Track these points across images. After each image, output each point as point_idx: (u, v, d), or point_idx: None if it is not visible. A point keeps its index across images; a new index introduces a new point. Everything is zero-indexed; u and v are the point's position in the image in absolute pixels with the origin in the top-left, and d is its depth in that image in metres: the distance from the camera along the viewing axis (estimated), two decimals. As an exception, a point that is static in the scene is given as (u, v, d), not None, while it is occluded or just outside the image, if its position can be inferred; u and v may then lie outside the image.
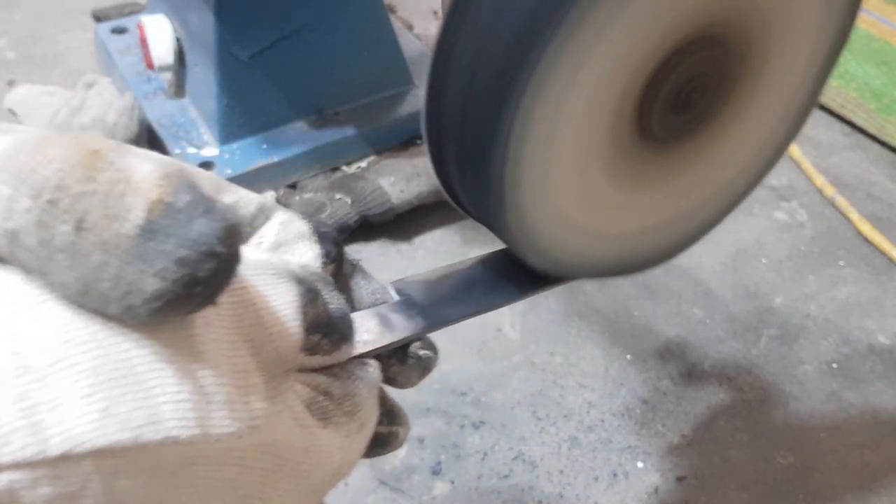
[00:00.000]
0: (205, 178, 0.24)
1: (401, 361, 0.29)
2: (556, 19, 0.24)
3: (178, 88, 0.88)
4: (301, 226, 0.26)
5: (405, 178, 0.82)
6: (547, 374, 0.72)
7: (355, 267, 0.29)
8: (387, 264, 0.80)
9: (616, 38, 0.26)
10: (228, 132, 0.83)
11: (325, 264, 0.26)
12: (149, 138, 0.82)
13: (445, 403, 0.68)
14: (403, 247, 0.83)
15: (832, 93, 1.05)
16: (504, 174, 0.27)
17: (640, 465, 0.66)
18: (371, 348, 0.27)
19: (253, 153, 0.83)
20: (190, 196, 0.18)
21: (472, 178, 0.30)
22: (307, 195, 0.82)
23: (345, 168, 0.88)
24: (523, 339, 0.74)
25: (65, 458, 0.17)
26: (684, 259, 0.83)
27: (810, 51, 0.34)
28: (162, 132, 0.84)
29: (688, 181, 0.35)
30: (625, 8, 0.26)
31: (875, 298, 0.82)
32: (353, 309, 0.28)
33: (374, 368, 0.26)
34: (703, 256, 0.84)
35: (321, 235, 0.26)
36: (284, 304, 0.22)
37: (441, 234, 0.84)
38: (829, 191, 0.93)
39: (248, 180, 0.81)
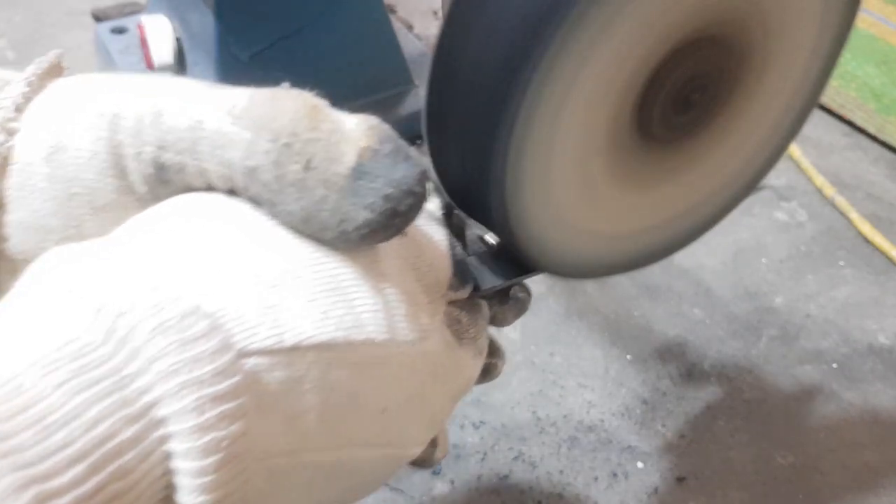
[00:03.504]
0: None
1: (501, 302, 0.33)
2: (557, 19, 0.24)
3: (178, 88, 0.88)
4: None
5: (405, 178, 0.82)
6: (547, 374, 0.71)
7: (460, 217, 0.32)
8: (387, 264, 0.80)
9: (617, 37, 0.26)
10: (228, 132, 0.83)
11: (443, 214, 0.30)
12: (149, 138, 0.82)
13: (445, 403, 0.68)
14: (403, 247, 0.82)
15: (832, 93, 1.05)
16: (505, 174, 0.27)
17: (640, 465, 0.66)
18: (484, 289, 0.30)
19: (253, 153, 0.83)
20: (392, 145, 0.23)
21: (473, 178, 0.30)
22: (307, 195, 0.82)
23: (345, 168, 0.87)
24: (523, 339, 0.74)
25: (296, 349, 0.20)
26: (684, 259, 0.83)
27: (810, 51, 0.34)
28: (162, 132, 0.84)
29: (688, 181, 0.35)
30: (626, 7, 0.26)
31: (875, 298, 0.82)
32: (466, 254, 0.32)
33: (484, 306, 0.30)
34: (703, 256, 0.84)
35: (437, 188, 0.30)
36: (438, 241, 0.27)
37: (441, 234, 0.84)
38: (829, 191, 0.93)
39: (248, 180, 0.81)
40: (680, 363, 0.74)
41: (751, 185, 0.39)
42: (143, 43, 0.83)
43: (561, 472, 0.64)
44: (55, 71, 0.26)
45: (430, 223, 0.28)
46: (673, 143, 0.33)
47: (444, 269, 0.27)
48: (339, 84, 0.88)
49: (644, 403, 0.70)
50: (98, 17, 1.02)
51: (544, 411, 0.69)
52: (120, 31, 0.98)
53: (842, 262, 0.86)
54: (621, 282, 0.80)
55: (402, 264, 0.25)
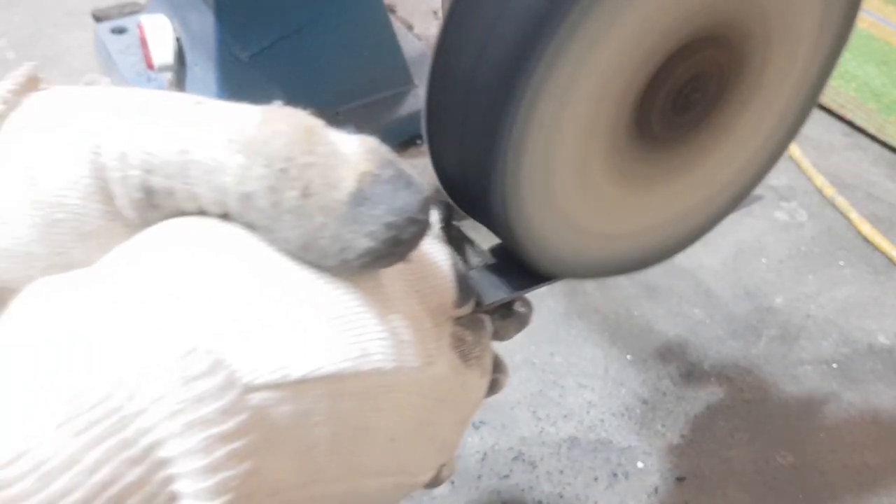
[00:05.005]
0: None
1: (503, 317, 0.32)
2: (557, 19, 0.24)
3: (178, 88, 0.88)
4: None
5: (405, 178, 0.82)
6: (547, 374, 0.71)
7: (459, 230, 0.31)
8: (387, 264, 0.80)
9: (617, 37, 0.26)
10: (228, 132, 0.83)
11: (442, 227, 0.30)
12: (149, 138, 0.82)
13: (445, 403, 0.68)
14: (403, 247, 0.82)
15: (832, 93, 1.05)
16: (505, 174, 0.27)
17: (640, 465, 0.66)
18: (488, 303, 0.29)
19: (253, 153, 0.83)
20: (393, 170, 0.21)
21: (472, 177, 0.30)
22: (307, 195, 0.82)
23: (345, 168, 0.87)
24: (523, 339, 0.74)
25: (303, 382, 0.20)
26: (684, 259, 0.83)
27: (810, 51, 0.34)
28: (162, 132, 0.83)
29: (688, 180, 0.35)
30: (626, 8, 0.26)
31: (875, 298, 0.82)
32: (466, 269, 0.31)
33: (488, 321, 0.30)
34: (703, 256, 0.84)
35: (436, 202, 0.29)
36: (441, 262, 0.26)
37: (441, 234, 0.84)
38: (829, 191, 0.93)
39: (248, 180, 0.81)
40: (680, 363, 0.74)
41: (751, 185, 0.39)
42: (143, 43, 0.83)
43: (561, 472, 0.64)
44: (31, 84, 0.24)
45: (431, 242, 0.27)
46: (673, 143, 0.33)
47: (448, 291, 0.26)
48: (339, 84, 0.88)
49: (644, 403, 0.70)
50: (98, 17, 1.02)
51: (544, 411, 0.69)
52: (120, 31, 0.98)
53: (842, 262, 0.86)
54: (621, 282, 0.80)
55: (405, 289, 0.24)
